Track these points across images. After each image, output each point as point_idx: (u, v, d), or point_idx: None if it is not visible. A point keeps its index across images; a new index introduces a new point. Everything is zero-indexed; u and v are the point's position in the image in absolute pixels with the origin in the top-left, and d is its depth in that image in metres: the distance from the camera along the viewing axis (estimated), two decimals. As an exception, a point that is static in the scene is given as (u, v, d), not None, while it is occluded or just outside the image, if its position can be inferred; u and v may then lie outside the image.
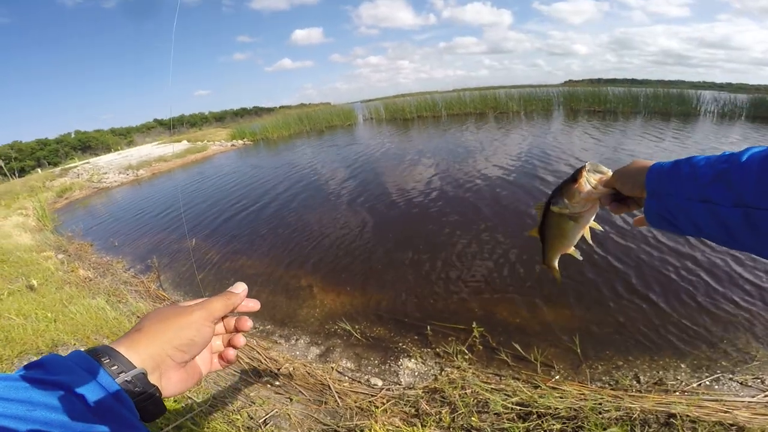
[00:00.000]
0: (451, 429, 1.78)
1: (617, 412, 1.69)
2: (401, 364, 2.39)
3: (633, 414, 1.66)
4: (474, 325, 2.49)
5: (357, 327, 2.75)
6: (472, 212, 4.48)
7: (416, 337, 2.62)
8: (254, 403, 1.98)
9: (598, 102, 14.91)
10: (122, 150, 23.26)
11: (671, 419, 1.62)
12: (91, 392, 0.32)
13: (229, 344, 0.51)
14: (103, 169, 13.61)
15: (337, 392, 2.10)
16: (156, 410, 0.38)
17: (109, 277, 4.11)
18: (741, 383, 1.93)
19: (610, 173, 0.60)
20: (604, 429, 1.61)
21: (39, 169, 19.95)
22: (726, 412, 1.67)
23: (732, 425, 1.57)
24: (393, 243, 4.03)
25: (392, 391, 2.16)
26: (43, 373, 0.32)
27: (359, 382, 2.27)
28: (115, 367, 0.35)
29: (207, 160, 13.83)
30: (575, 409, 1.75)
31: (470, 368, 2.22)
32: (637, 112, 13.27)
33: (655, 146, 6.05)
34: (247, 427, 1.78)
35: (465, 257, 3.54)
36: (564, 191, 0.64)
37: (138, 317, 2.93)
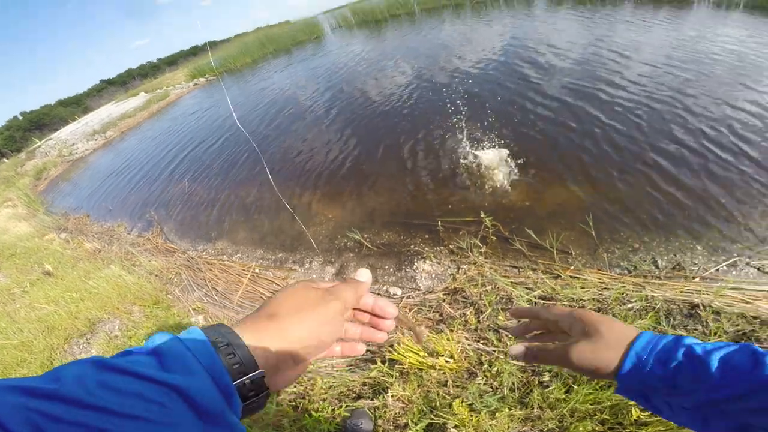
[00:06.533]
0: (479, 330, 1.75)
1: (641, 302, 1.65)
2: (417, 268, 2.30)
3: (656, 304, 1.63)
4: (483, 214, 2.36)
5: (366, 236, 2.65)
6: (453, 108, 4.13)
7: (427, 236, 2.52)
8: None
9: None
10: (80, 118, 22.21)
11: (695, 310, 1.59)
12: (207, 401, 0.28)
13: (362, 337, 0.46)
14: (69, 141, 13.01)
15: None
16: (254, 412, 0.34)
17: (116, 244, 4.10)
18: (758, 269, 1.83)
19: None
20: (632, 321, 1.56)
21: (5, 159, 19.07)
22: (747, 302, 1.61)
23: (755, 318, 1.51)
24: (383, 148, 3.89)
25: (413, 298, 2.09)
26: (159, 366, 0.28)
27: (379, 294, 2.18)
28: (237, 365, 0.31)
29: (173, 105, 13.06)
30: (599, 300, 1.72)
31: (487, 262, 2.13)
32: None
33: (645, 33, 5.36)
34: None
35: (461, 152, 3.32)
36: None
37: (156, 275, 2.92)
